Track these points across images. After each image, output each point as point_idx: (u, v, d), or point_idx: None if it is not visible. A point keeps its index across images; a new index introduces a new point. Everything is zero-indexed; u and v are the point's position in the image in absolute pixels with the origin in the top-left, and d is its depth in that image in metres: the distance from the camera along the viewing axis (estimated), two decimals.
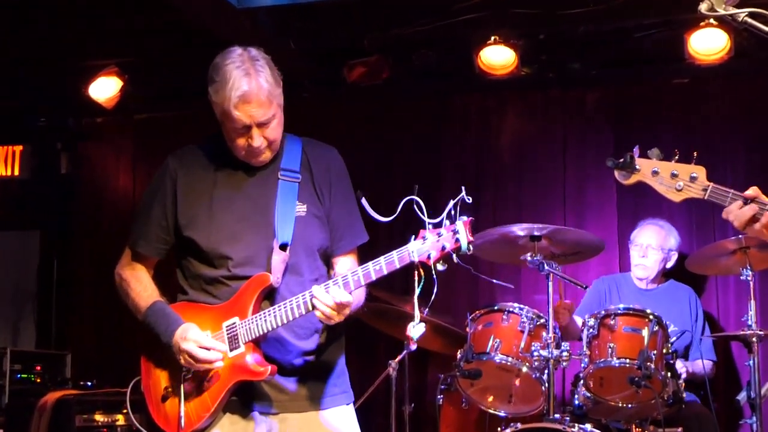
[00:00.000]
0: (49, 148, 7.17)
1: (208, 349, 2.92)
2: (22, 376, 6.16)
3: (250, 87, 2.87)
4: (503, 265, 5.96)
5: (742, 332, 4.79)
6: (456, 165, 6.42)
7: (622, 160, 2.71)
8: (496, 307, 4.95)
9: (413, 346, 2.83)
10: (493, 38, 5.74)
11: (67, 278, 7.08)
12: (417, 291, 2.72)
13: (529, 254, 4.83)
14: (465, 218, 2.71)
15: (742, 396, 4.88)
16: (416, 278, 2.72)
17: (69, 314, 6.98)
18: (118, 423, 5.66)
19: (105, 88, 6.34)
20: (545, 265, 4.74)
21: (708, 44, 5.55)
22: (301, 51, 5.93)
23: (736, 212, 2.66)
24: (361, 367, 6.18)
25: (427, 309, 2.80)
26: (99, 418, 5.65)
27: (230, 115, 2.88)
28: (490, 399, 4.91)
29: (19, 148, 7.08)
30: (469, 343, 4.85)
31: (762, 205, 2.65)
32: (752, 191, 2.68)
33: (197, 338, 2.92)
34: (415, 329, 2.75)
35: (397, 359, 5.04)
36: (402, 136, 6.57)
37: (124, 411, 5.51)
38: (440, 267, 2.71)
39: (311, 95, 6.42)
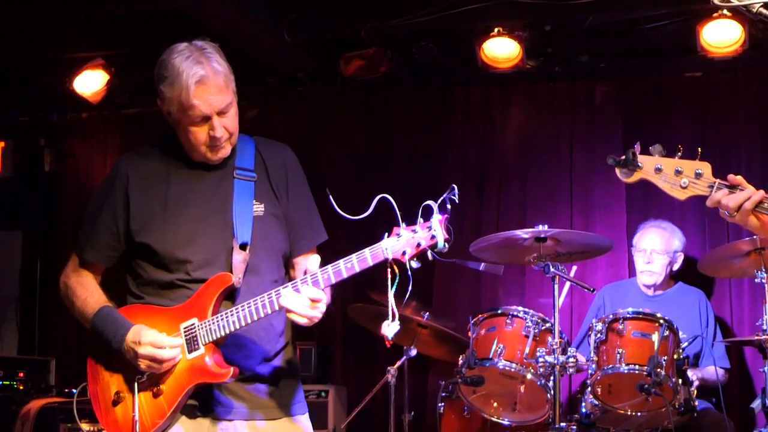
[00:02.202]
0: (32, 144, 7.10)
1: (165, 347, 2.86)
2: (4, 383, 6.07)
3: (205, 71, 2.88)
4: (507, 266, 5.84)
5: (756, 337, 4.72)
6: (458, 163, 6.36)
7: (623, 157, 2.68)
8: (499, 311, 4.92)
9: (411, 348, 2.66)
10: (496, 30, 5.67)
11: (50, 281, 6.92)
12: (392, 289, 2.69)
13: (534, 255, 4.79)
14: (440, 216, 2.68)
15: (756, 404, 4.83)
16: (390, 276, 2.70)
17: (53, 318, 6.87)
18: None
19: (91, 82, 6.26)
20: (551, 267, 4.71)
21: (721, 36, 5.49)
22: (296, 43, 5.84)
23: (727, 196, 2.63)
24: (359, 374, 6.15)
25: (402, 304, 2.76)
26: (85, 427, 5.50)
27: (189, 104, 2.86)
28: (494, 407, 4.84)
29: (0, 145, 7.00)
30: (471, 348, 4.81)
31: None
32: (738, 178, 2.67)
33: (152, 339, 2.87)
34: (390, 327, 2.71)
35: (396, 365, 5.03)
36: (401, 132, 6.51)
37: None
38: (414, 264, 2.71)
39: (306, 89, 6.34)
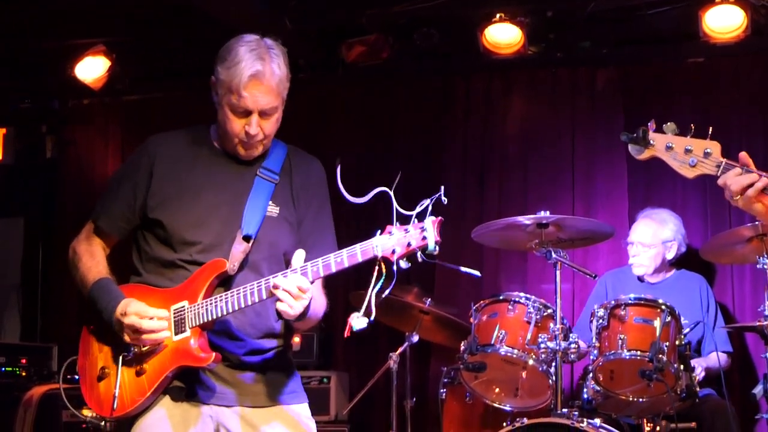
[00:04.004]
0: (33, 131, 7.10)
1: (150, 318, 2.86)
2: (7, 369, 6.06)
3: (264, 68, 2.87)
4: (509, 253, 5.94)
5: (758, 323, 4.70)
6: (459, 149, 6.33)
7: (635, 134, 2.71)
8: (501, 297, 4.89)
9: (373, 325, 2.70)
10: (498, 15, 5.67)
11: (52, 267, 6.98)
12: (376, 287, 2.66)
13: (536, 242, 4.78)
14: (434, 218, 2.65)
15: (758, 389, 4.80)
16: (375, 273, 2.67)
17: (55, 305, 6.87)
18: (106, 418, 5.51)
19: (92, 68, 6.26)
20: (553, 253, 4.70)
21: (724, 21, 5.49)
22: (297, 29, 5.85)
23: (733, 178, 2.66)
24: (361, 360, 6.14)
25: (379, 302, 2.70)
26: (87, 413, 5.50)
27: (238, 94, 2.87)
28: (495, 393, 4.83)
29: (2, 132, 6.99)
30: (473, 334, 4.78)
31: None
32: (747, 158, 2.69)
33: (138, 310, 2.87)
34: (358, 321, 2.69)
35: (398, 352, 5.04)
36: (402, 118, 6.49)
37: None
38: (403, 264, 2.68)
39: (308, 76, 6.33)
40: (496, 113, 6.30)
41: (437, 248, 2.65)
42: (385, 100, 6.52)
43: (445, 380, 5.01)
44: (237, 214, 2.94)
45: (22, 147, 7.06)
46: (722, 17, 5.45)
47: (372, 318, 2.67)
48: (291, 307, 2.75)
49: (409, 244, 2.65)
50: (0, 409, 5.71)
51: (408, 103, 6.47)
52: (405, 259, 2.67)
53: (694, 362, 4.91)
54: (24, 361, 6.14)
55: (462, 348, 4.78)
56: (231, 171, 3.01)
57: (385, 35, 5.94)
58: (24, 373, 6.11)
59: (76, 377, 5.68)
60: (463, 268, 5.12)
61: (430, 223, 2.64)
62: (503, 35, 5.75)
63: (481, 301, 4.90)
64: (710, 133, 2.69)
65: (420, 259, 2.67)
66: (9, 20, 5.83)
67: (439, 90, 6.44)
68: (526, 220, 4.78)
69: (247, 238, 2.91)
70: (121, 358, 2.90)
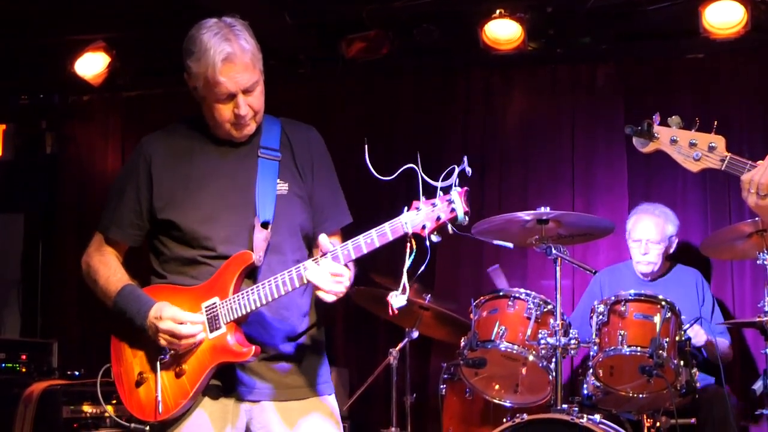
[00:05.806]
0: (33, 127, 7.10)
1: (185, 323, 2.86)
2: (7, 365, 6.05)
3: (233, 49, 2.85)
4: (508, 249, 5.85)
5: (758, 319, 4.69)
6: (459, 145, 6.32)
7: (640, 127, 2.73)
8: (501, 293, 4.90)
9: (409, 311, 2.65)
10: (498, 11, 5.67)
11: (52, 263, 6.99)
12: (408, 262, 2.66)
13: (536, 237, 4.78)
14: (459, 188, 2.67)
15: (758, 385, 4.82)
16: (408, 250, 2.67)
17: (55, 301, 6.89)
18: (107, 414, 5.53)
19: (92, 64, 6.27)
20: (553, 249, 4.70)
21: (723, 17, 5.48)
22: (297, 25, 5.84)
23: (762, 174, 2.63)
24: (361, 356, 6.15)
25: (414, 279, 2.70)
26: (87, 409, 5.53)
27: (215, 81, 2.86)
28: (495, 388, 4.84)
29: (1, 128, 6.99)
30: (473, 330, 4.80)
31: None
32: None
33: (173, 314, 2.86)
34: (398, 299, 2.68)
35: (398, 347, 5.08)
36: (402, 115, 6.48)
37: (113, 402, 5.37)
38: (435, 238, 2.69)
39: (308, 71, 6.36)
40: (496, 109, 6.30)
41: (467, 218, 2.66)
42: (384, 96, 6.51)
43: (445, 376, 5.02)
44: (249, 201, 2.92)
45: (22, 143, 7.06)
46: (722, 13, 5.44)
47: (407, 294, 2.67)
48: (330, 293, 2.76)
49: (438, 218, 2.67)
50: (0, 405, 5.66)
51: (408, 98, 6.46)
52: (436, 232, 2.68)
53: (690, 332, 4.88)
54: (24, 357, 6.13)
55: (462, 344, 4.79)
56: (231, 157, 2.99)
57: (385, 31, 5.92)
58: (24, 370, 6.09)
59: (77, 373, 5.73)
60: (495, 241, 5.13)
61: (456, 194, 2.65)
62: (503, 31, 5.73)
63: (481, 297, 4.90)
64: (715, 127, 2.69)
65: (451, 231, 2.68)
66: (9, 16, 5.81)
67: (439, 86, 6.43)
68: (526, 215, 4.78)
69: (265, 225, 2.90)
70: (158, 362, 2.89)
